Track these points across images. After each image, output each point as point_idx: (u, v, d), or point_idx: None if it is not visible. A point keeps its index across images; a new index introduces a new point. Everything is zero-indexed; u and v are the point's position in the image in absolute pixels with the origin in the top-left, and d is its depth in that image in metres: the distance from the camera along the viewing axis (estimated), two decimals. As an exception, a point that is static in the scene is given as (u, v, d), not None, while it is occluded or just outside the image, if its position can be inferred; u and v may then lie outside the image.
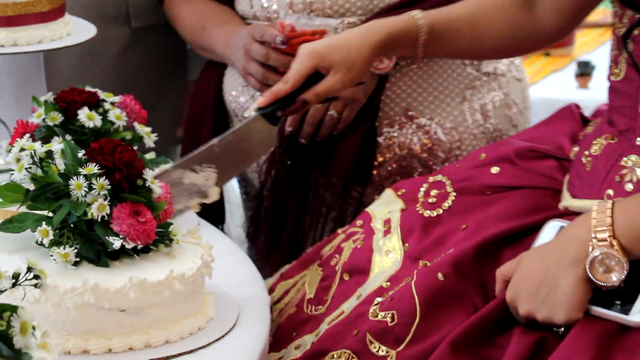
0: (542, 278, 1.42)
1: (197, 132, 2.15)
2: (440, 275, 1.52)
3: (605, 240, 1.39)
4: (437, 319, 1.49)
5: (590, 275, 1.38)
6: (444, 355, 1.40)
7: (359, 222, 1.73)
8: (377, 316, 1.52)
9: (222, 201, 2.27)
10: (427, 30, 1.76)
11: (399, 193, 1.74)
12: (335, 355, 1.50)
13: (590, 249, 1.39)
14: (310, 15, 2.10)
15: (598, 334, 1.37)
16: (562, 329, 1.40)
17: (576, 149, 1.67)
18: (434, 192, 1.69)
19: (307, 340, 1.58)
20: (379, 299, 1.55)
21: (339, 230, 1.75)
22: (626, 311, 1.38)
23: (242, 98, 2.18)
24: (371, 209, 1.74)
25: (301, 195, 2.09)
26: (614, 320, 1.38)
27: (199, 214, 1.77)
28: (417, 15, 1.76)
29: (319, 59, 1.71)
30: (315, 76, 1.70)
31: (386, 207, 1.72)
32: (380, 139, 2.11)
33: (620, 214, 1.40)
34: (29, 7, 1.85)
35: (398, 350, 1.47)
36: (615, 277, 1.37)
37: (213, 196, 1.60)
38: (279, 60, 1.94)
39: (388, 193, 1.76)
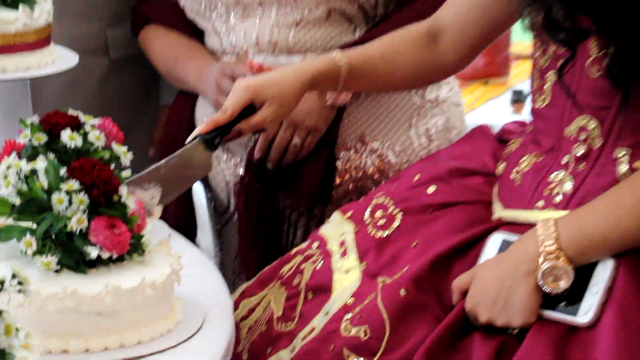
0: (498, 289, 1.44)
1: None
2: (402, 291, 1.53)
3: (552, 253, 1.42)
4: (404, 331, 1.50)
5: (541, 284, 1.42)
6: None
7: (314, 244, 1.72)
8: (350, 331, 1.52)
9: (194, 218, 2.28)
10: (347, 69, 1.76)
11: (347, 215, 1.73)
12: None
13: (540, 261, 1.42)
14: (275, 53, 2.10)
15: (553, 334, 1.40)
16: (516, 330, 1.43)
17: (502, 165, 1.68)
18: (379, 213, 1.68)
19: (284, 356, 1.58)
20: (348, 315, 1.55)
21: (293, 252, 1.74)
22: (574, 312, 1.41)
23: None
24: (324, 232, 1.74)
25: (270, 214, 2.08)
26: (564, 321, 1.41)
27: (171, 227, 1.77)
28: (337, 56, 1.76)
29: (255, 93, 1.70)
30: (250, 108, 1.70)
31: (337, 229, 1.72)
32: (339, 163, 2.12)
33: (563, 229, 1.43)
34: (18, 37, 1.85)
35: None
36: (563, 284, 1.41)
37: (156, 214, 1.60)
38: None
39: (337, 216, 1.76)
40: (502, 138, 1.78)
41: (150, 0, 2.27)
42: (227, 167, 2.19)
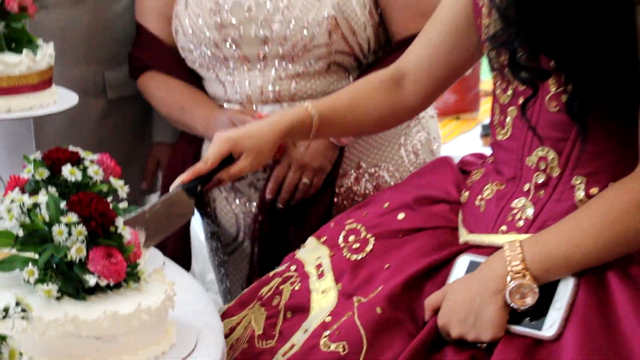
0: (469, 307, 1.45)
1: None
2: (378, 309, 1.53)
3: (519, 272, 1.43)
4: (381, 346, 1.50)
5: (509, 302, 1.43)
6: None
7: (292, 267, 1.71)
8: (329, 347, 1.52)
9: (189, 250, 2.27)
10: (318, 120, 1.76)
11: (322, 240, 1.73)
12: None
13: (508, 280, 1.43)
14: (278, 102, 2.12)
15: (520, 347, 1.41)
16: (485, 344, 1.44)
17: (466, 194, 1.69)
18: (352, 238, 1.69)
19: None
20: (326, 332, 1.55)
21: (271, 274, 1.73)
22: (539, 326, 1.42)
23: None
24: (300, 256, 1.73)
25: (279, 246, 2.08)
26: (530, 335, 1.42)
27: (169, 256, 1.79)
28: (309, 107, 1.77)
29: (233, 145, 1.70)
30: (229, 158, 1.70)
31: (313, 253, 1.72)
32: (339, 191, 2.14)
33: (528, 250, 1.45)
34: (22, 79, 1.86)
35: None
36: (529, 301, 1.42)
37: (142, 256, 1.60)
38: None
39: (312, 240, 1.76)
40: (463, 169, 1.80)
41: (147, 46, 2.26)
42: (237, 204, 2.18)
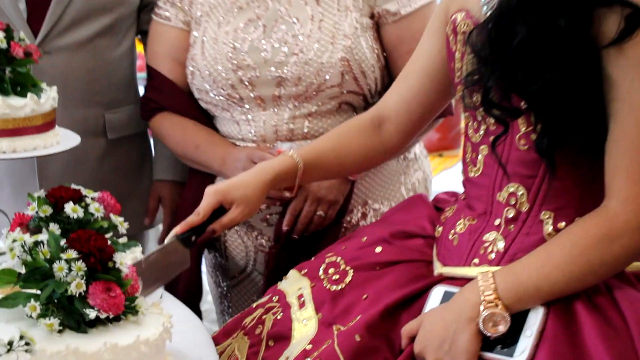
0: (444, 334, 1.45)
1: None
2: (357, 337, 1.52)
3: (491, 301, 1.44)
4: None
5: (482, 329, 1.43)
6: None
7: (274, 298, 1.71)
8: None
9: (201, 286, 2.26)
10: (303, 166, 1.78)
11: (303, 272, 1.74)
12: None
13: (481, 309, 1.43)
14: (292, 140, 2.12)
15: None
16: None
17: (440, 229, 1.70)
18: (331, 270, 1.69)
19: None
20: (307, 359, 1.54)
21: (254, 305, 1.73)
22: (510, 353, 1.42)
23: None
24: (282, 287, 1.74)
25: None
26: None
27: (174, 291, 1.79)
28: (294, 155, 1.78)
29: (223, 197, 1.71)
30: (221, 209, 1.70)
31: (295, 285, 1.72)
32: (347, 224, 2.15)
33: (500, 281, 1.45)
34: (27, 121, 1.86)
35: None
36: (502, 329, 1.43)
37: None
38: None
39: (293, 273, 1.76)
40: (437, 206, 1.82)
41: (160, 88, 2.25)
42: (248, 237, 2.18)
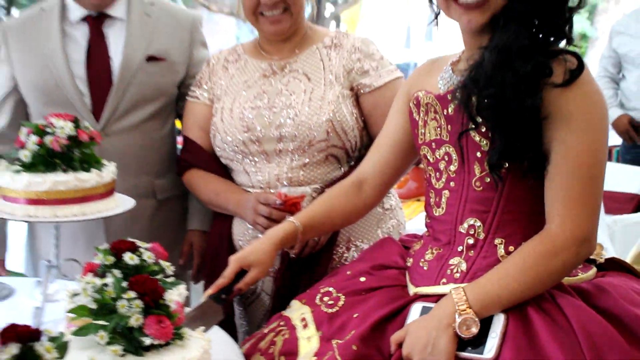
0: (427, 339, 1.45)
1: (214, 272, 2.01)
2: (354, 347, 1.52)
3: (464, 310, 1.44)
4: None
5: (459, 332, 1.44)
6: None
7: (281, 322, 1.70)
8: None
9: (234, 317, 2.22)
10: (302, 229, 1.80)
11: (302, 302, 1.73)
12: None
13: (457, 316, 1.44)
14: (291, 185, 2.11)
15: None
16: None
17: (411, 260, 1.71)
18: (326, 298, 1.69)
19: None
20: None
21: (266, 330, 1.71)
22: (481, 351, 1.42)
23: (245, 243, 2.15)
24: (287, 314, 1.72)
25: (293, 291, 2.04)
26: (475, 359, 1.43)
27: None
28: (295, 221, 1.80)
29: (242, 262, 1.73)
30: (243, 272, 1.73)
31: (297, 311, 1.70)
32: (335, 256, 2.13)
33: (470, 293, 1.47)
34: (92, 190, 1.86)
35: None
36: (474, 330, 1.43)
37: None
38: (278, 215, 1.96)
39: (295, 302, 1.75)
40: (404, 244, 1.83)
41: (191, 150, 2.25)
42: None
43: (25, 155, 1.83)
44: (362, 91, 2.15)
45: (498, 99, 1.46)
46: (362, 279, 1.71)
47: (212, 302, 1.69)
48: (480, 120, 1.51)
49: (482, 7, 1.52)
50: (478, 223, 1.57)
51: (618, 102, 4.38)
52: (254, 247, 1.77)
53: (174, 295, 1.41)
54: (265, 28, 2.15)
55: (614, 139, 4.55)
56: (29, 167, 1.83)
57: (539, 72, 1.46)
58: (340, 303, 1.66)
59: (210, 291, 1.70)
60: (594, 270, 1.63)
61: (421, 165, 1.74)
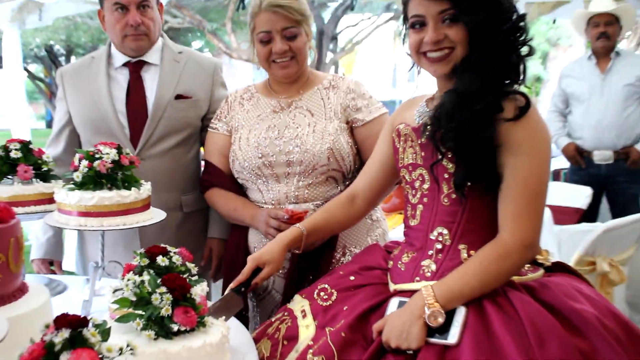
0: (402, 327, 1.45)
1: (232, 272, 2.00)
2: (342, 333, 1.53)
3: (432, 304, 1.45)
4: (345, 357, 1.49)
5: (428, 322, 1.44)
6: None
7: (285, 313, 1.70)
8: (313, 358, 1.52)
9: (247, 309, 2.19)
10: (306, 233, 1.82)
11: (303, 296, 1.73)
12: None
13: (426, 309, 1.45)
14: (297, 202, 2.10)
15: (435, 351, 1.41)
16: (412, 351, 1.43)
17: (391, 262, 1.72)
18: (322, 293, 1.69)
19: None
20: (310, 350, 1.54)
21: (273, 319, 1.72)
22: (446, 337, 1.43)
23: (259, 249, 2.13)
24: (290, 306, 1.73)
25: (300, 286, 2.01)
26: (441, 343, 1.43)
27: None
28: (300, 227, 1.82)
29: (258, 261, 1.76)
30: (258, 269, 1.76)
31: (298, 304, 1.71)
32: (333, 259, 2.11)
33: (437, 290, 1.48)
34: (131, 205, 1.86)
35: None
36: (440, 320, 1.44)
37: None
38: (286, 227, 1.94)
39: (297, 297, 1.75)
40: (387, 249, 1.83)
41: (212, 173, 2.24)
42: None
43: (77, 176, 1.84)
44: (355, 124, 2.16)
45: (458, 133, 1.49)
46: (352, 277, 1.71)
47: (234, 294, 1.71)
48: (444, 150, 1.54)
49: (445, 60, 1.55)
50: (445, 231, 1.58)
51: (566, 132, 4.39)
52: (267, 248, 1.79)
53: (198, 290, 1.42)
54: (276, 72, 2.16)
55: (563, 163, 4.57)
56: (81, 185, 1.84)
57: (491, 109, 1.48)
58: (333, 297, 1.67)
59: (232, 285, 1.73)
60: (541, 271, 1.63)
61: (401, 184, 1.76)
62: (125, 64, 2.39)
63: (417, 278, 1.60)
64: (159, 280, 1.39)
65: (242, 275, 1.74)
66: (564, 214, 3.69)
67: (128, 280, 1.40)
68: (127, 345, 1.10)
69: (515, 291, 1.50)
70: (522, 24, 1.52)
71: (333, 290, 1.69)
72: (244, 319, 2.10)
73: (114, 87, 2.36)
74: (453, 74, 1.55)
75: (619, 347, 1.40)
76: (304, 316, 1.65)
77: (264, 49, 2.12)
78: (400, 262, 1.67)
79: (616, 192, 4.23)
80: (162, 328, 1.35)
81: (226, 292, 1.73)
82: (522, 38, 1.52)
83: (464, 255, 1.56)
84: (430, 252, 1.61)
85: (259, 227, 2.10)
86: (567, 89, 4.36)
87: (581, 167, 4.31)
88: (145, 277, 1.41)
